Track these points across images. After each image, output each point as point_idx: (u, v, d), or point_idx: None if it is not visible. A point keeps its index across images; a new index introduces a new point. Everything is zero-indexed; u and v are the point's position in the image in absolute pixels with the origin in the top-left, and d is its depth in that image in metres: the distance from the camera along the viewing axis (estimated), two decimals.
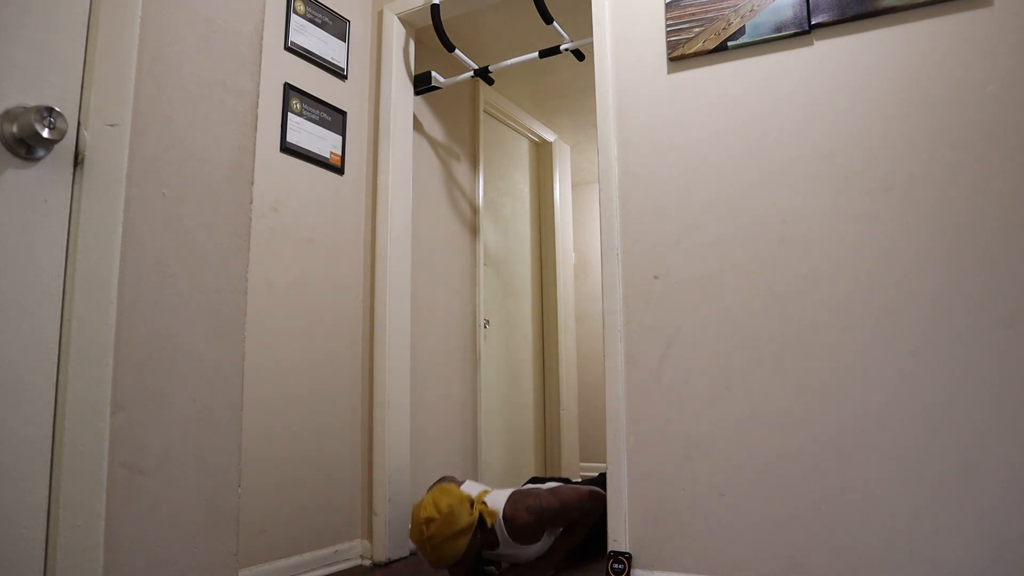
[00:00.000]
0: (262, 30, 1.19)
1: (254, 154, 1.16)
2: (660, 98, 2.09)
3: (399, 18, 2.73)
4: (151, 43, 1.01)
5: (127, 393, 0.94)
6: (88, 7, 0.94)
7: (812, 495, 1.76)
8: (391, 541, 2.43)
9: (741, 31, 1.98)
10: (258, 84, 1.17)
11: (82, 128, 0.91)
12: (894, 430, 1.70)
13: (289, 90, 2.33)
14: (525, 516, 2.10)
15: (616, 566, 1.92)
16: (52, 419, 0.86)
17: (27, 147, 0.84)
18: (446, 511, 1.95)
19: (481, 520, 2.05)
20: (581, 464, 4.68)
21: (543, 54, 2.66)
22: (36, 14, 0.87)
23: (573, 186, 5.13)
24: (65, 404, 0.87)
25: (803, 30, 1.90)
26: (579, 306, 4.98)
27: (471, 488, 2.19)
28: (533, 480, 2.62)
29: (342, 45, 2.60)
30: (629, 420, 2.00)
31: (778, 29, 1.93)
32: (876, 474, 1.70)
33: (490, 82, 2.90)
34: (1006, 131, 1.67)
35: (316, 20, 2.48)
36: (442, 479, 2.29)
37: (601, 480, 2.54)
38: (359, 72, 2.69)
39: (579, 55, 2.64)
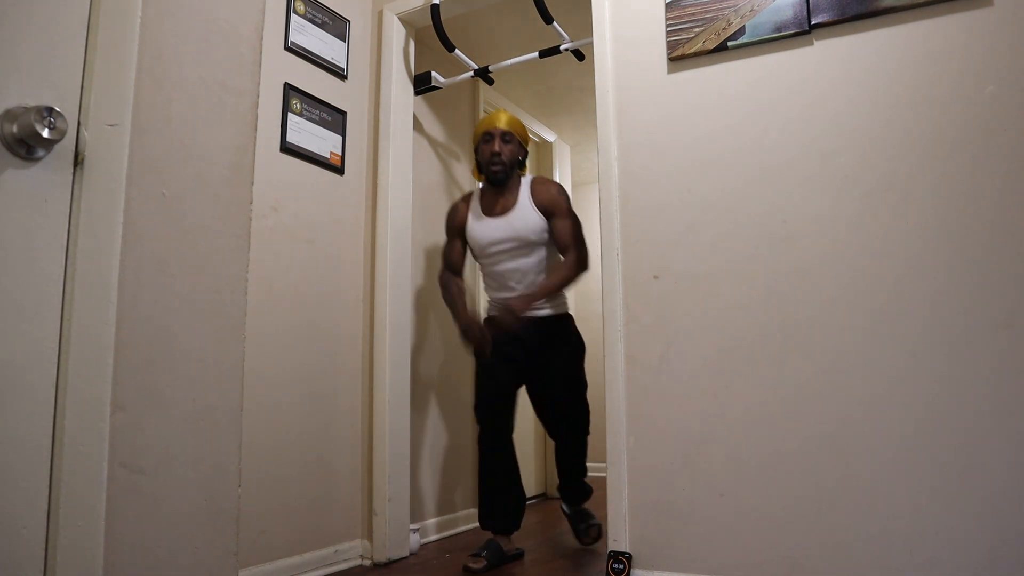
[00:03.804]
0: (262, 30, 1.19)
1: (254, 154, 1.16)
2: (660, 98, 2.09)
3: (399, 18, 2.73)
4: (151, 43, 1.01)
5: (127, 393, 0.94)
6: (88, 7, 0.94)
7: (812, 495, 1.76)
8: (391, 541, 2.43)
9: (741, 31, 1.98)
10: (258, 84, 1.17)
11: (82, 128, 0.91)
12: (895, 431, 1.70)
13: (289, 90, 2.32)
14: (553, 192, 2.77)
15: (616, 566, 1.92)
16: (52, 419, 0.86)
17: (27, 147, 0.84)
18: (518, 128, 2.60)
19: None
20: None
21: (543, 54, 2.66)
22: (36, 14, 0.87)
23: (573, 186, 5.12)
24: (65, 404, 0.87)
25: (803, 30, 1.90)
26: (579, 306, 4.97)
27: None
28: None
29: (342, 45, 2.60)
30: (629, 420, 2.00)
31: (778, 29, 1.93)
32: (877, 474, 1.70)
33: (490, 82, 2.90)
34: (1006, 131, 1.67)
35: (316, 20, 2.48)
36: None
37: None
38: (359, 72, 2.69)
39: (579, 55, 2.64)
